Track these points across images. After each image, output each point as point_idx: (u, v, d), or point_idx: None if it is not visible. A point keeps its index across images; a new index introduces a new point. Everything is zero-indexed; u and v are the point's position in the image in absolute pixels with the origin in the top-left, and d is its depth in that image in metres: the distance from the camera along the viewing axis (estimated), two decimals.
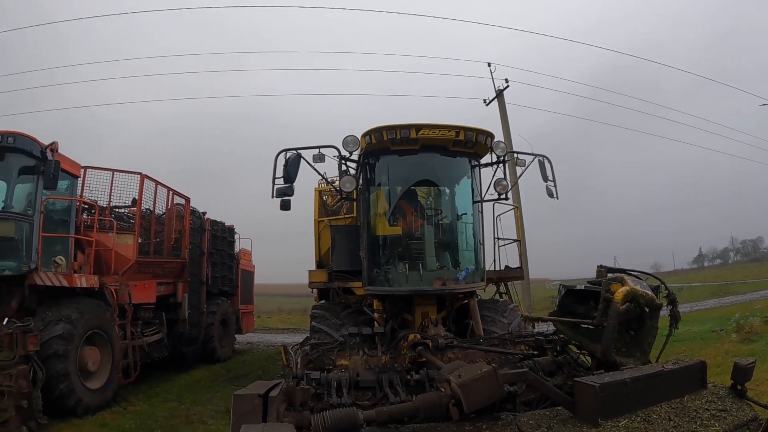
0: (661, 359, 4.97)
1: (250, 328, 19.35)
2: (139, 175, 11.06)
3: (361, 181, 7.71)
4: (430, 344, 5.93)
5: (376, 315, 7.47)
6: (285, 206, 7.53)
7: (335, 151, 7.40)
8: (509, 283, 9.84)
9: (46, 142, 9.00)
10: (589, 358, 5.51)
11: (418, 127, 7.02)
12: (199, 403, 9.92)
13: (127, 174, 11.09)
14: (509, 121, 20.49)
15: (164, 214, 12.24)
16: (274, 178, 7.20)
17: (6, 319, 8.01)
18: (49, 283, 8.92)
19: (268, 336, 22.45)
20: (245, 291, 17.80)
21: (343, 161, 7.56)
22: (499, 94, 20.51)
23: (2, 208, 9.19)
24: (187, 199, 13.25)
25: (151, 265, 11.61)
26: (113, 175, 10.93)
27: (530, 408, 4.41)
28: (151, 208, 11.63)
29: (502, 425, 3.83)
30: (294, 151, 7.25)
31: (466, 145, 7.33)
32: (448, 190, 8.16)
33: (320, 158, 7.27)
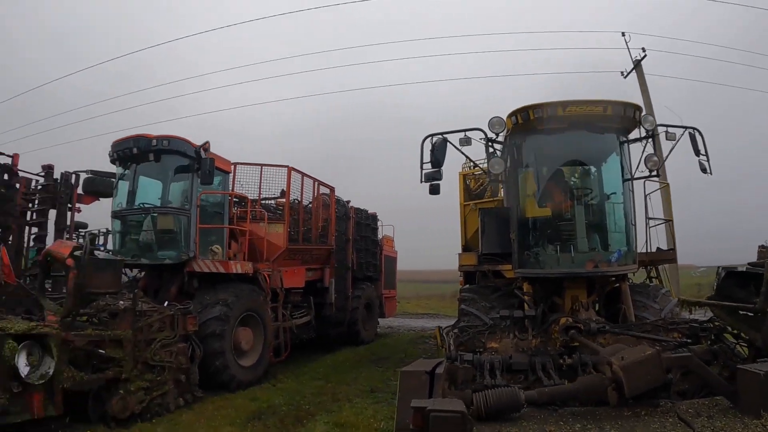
0: None
1: (393, 312, 19.61)
2: (286, 168, 11.62)
3: (508, 162, 7.52)
4: (582, 328, 5.90)
5: (526, 298, 7.38)
6: (434, 191, 7.52)
7: (481, 133, 7.29)
8: (660, 267, 9.31)
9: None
10: (745, 349, 5.20)
11: (565, 104, 6.89)
12: (345, 382, 10.13)
13: (274, 167, 11.72)
14: (651, 95, 19.10)
15: (311, 203, 12.78)
16: (422, 163, 7.21)
17: (166, 303, 8.76)
18: (206, 270, 9.71)
19: (407, 320, 22.68)
20: (388, 276, 18.11)
21: (489, 143, 7.40)
22: (637, 65, 19.30)
23: (161, 204, 10.12)
24: (332, 189, 13.73)
25: (299, 251, 12.19)
26: (262, 169, 11.65)
27: (684, 398, 4.25)
28: (299, 198, 12.19)
29: (660, 412, 3.75)
30: (440, 136, 7.20)
31: (614, 120, 7.11)
32: (596, 169, 7.91)
33: (467, 141, 7.18)
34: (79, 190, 13.37)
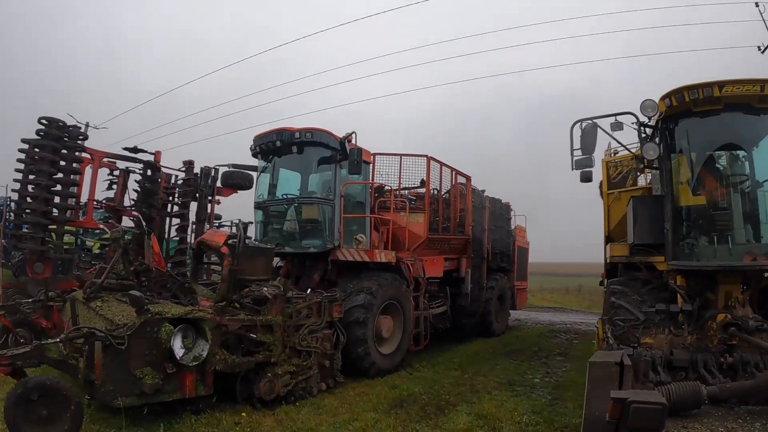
0: None
1: (524, 304, 18.96)
2: (425, 158, 11.24)
3: (661, 148, 6.97)
4: (742, 325, 5.58)
5: (681, 292, 6.72)
6: (586, 178, 7.24)
7: (632, 117, 7.00)
8: None
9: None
10: None
11: (721, 84, 6.31)
12: (481, 374, 9.81)
13: (413, 157, 11.34)
14: None
15: (448, 192, 12.36)
16: (572, 149, 6.94)
17: (309, 290, 8.74)
18: (351, 259, 9.59)
19: (533, 314, 21.83)
20: (520, 267, 17.39)
21: (642, 128, 7.10)
22: None
23: (305, 194, 10.11)
24: (468, 178, 13.23)
25: (439, 241, 11.81)
26: (401, 159, 11.25)
27: None
28: (438, 188, 11.80)
29: None
30: (590, 121, 6.92)
31: None
32: (758, 154, 7.07)
33: (618, 126, 6.91)
34: (218, 183, 13.82)
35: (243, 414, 6.44)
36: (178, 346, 5.77)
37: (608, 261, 8.53)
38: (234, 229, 24.44)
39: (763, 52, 17.07)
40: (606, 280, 14.38)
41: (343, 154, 9.64)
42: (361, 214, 10.46)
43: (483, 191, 14.37)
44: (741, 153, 7.21)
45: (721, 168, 7.16)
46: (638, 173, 10.63)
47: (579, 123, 6.98)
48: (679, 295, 6.67)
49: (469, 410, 7.14)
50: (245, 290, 7.14)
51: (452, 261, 12.83)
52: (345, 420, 6.51)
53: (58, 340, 5.24)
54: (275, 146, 9.79)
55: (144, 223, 9.37)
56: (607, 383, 3.20)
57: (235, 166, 12.23)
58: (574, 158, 6.97)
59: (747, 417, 3.58)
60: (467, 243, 13.23)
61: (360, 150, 9.52)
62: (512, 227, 16.53)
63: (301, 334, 7.40)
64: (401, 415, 6.85)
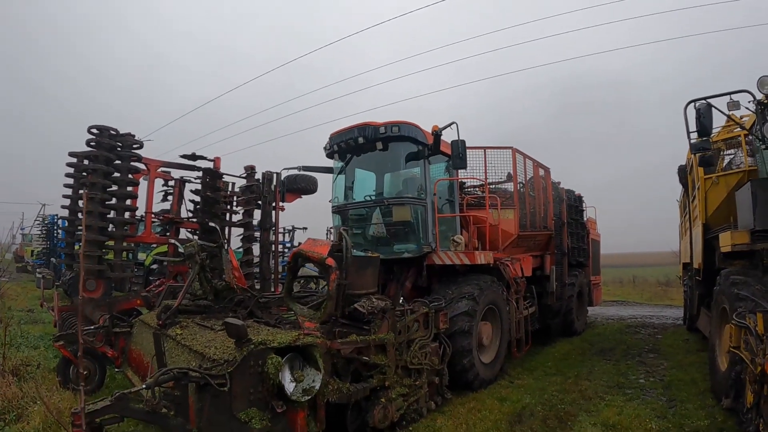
0: None
1: (599, 300, 17.31)
2: (510, 150, 9.75)
3: None
4: None
5: None
6: (707, 162, 6.74)
7: (749, 96, 6.27)
8: None
9: None
10: None
11: None
12: (583, 377, 8.63)
13: (498, 150, 9.84)
14: None
15: (532, 186, 10.83)
16: (688, 132, 6.45)
17: (401, 299, 7.64)
18: (449, 262, 8.16)
19: (598, 309, 19.94)
20: (594, 262, 15.75)
21: (761, 106, 6.35)
22: None
23: (394, 194, 8.64)
24: (547, 170, 11.68)
25: (526, 238, 10.33)
26: (485, 152, 9.72)
27: None
28: (524, 181, 10.26)
29: None
30: (704, 101, 6.25)
31: None
32: None
33: (735, 105, 6.29)
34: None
35: None
36: (288, 380, 4.34)
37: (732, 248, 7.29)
38: (287, 236, 23.50)
39: None
40: (684, 272, 13.03)
41: (435, 148, 8.21)
42: (451, 213, 8.99)
43: (559, 183, 12.80)
44: None
45: None
46: (725, 155, 9.94)
47: (693, 103, 6.35)
48: None
49: (593, 420, 6.33)
50: (352, 306, 5.68)
51: (536, 258, 11.34)
52: None
53: (144, 386, 3.80)
54: (357, 143, 8.36)
55: (222, 235, 8.03)
56: None
57: (305, 168, 10.70)
58: (692, 141, 6.45)
59: None
60: (550, 239, 11.75)
61: (464, 142, 8.01)
62: (585, 219, 14.87)
63: (412, 350, 6.07)
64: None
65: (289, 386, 4.33)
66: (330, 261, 5.21)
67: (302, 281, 11.11)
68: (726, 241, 7.25)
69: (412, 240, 8.24)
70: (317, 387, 4.52)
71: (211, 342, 4.74)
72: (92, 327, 6.60)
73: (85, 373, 6.02)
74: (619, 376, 8.82)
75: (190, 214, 11.35)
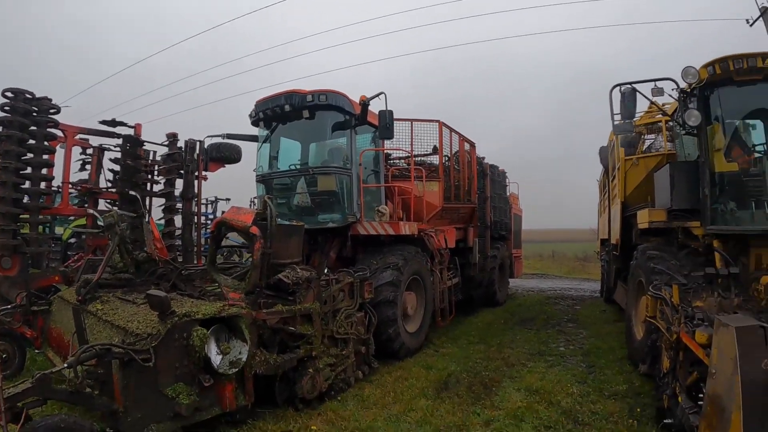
0: None
1: (520, 272, 18.05)
2: (437, 123, 9.88)
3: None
4: None
5: (718, 256, 6.39)
6: (629, 143, 7.06)
7: (672, 83, 6.66)
8: None
9: None
10: None
11: (765, 56, 6.26)
12: (506, 345, 8.98)
13: (425, 123, 9.96)
14: None
15: (457, 159, 11.05)
16: (612, 114, 6.62)
17: (326, 269, 7.61)
18: (374, 232, 8.20)
19: (519, 281, 20.80)
20: (516, 235, 16.34)
21: (683, 94, 6.73)
22: (765, 12, 16.05)
23: (319, 164, 8.55)
24: (473, 145, 11.89)
25: (450, 210, 10.52)
26: (412, 124, 9.81)
27: None
28: (449, 155, 10.45)
29: None
30: (629, 86, 6.54)
31: None
32: None
33: (659, 92, 6.53)
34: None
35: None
36: (214, 353, 4.31)
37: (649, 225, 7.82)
38: (210, 207, 22.82)
39: (751, 26, 16.43)
40: (602, 248, 13.78)
41: (362, 118, 8.17)
42: (377, 183, 9.03)
43: (483, 158, 13.08)
44: None
45: (757, 135, 7.05)
46: (646, 139, 10.47)
47: (618, 87, 6.62)
48: (718, 259, 6.38)
49: (517, 386, 6.57)
50: (276, 276, 5.62)
51: (460, 230, 11.58)
52: (400, 411, 5.56)
53: (65, 365, 3.64)
54: (283, 111, 8.21)
55: (143, 205, 7.76)
56: (756, 346, 3.01)
57: (229, 136, 10.38)
58: (615, 123, 6.65)
59: None
60: (473, 212, 12.05)
61: (392, 113, 7.96)
62: (508, 194, 15.35)
63: (338, 320, 6.14)
64: (453, 399, 6.04)
65: (216, 359, 4.30)
66: (254, 229, 5.10)
67: (225, 253, 10.96)
68: (644, 219, 7.72)
69: (336, 210, 8.22)
70: (244, 359, 4.51)
71: (133, 316, 4.60)
72: (8, 307, 6.26)
73: (3, 356, 5.82)
74: (540, 344, 9.21)
75: (110, 184, 10.88)
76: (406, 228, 8.45)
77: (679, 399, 4.38)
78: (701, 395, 3.96)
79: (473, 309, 12.78)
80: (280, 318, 5.20)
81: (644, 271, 7.22)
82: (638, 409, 5.66)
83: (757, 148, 6.95)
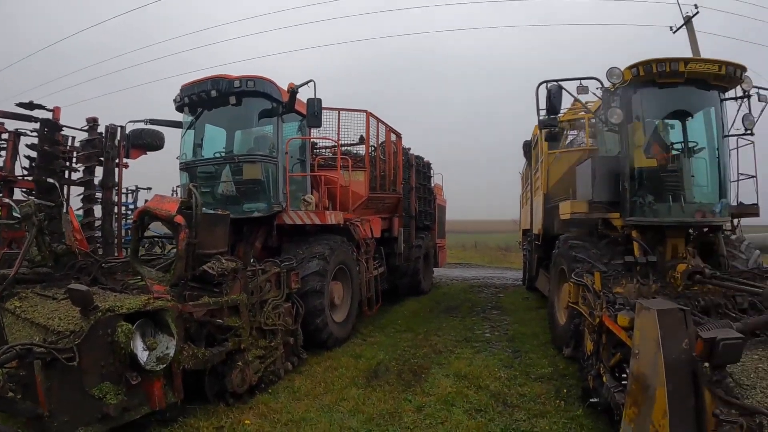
0: None
1: (444, 262, 18.43)
2: (364, 113, 9.93)
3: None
4: (705, 273, 6.05)
5: (636, 246, 6.88)
6: (553, 137, 7.44)
7: (597, 83, 7.00)
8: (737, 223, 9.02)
9: None
10: None
11: (687, 61, 6.76)
12: (433, 333, 9.20)
13: (352, 112, 10.00)
14: (702, 53, 16.76)
15: (384, 150, 11.13)
16: (538, 109, 6.92)
17: (252, 260, 7.51)
18: (300, 222, 8.14)
19: (443, 270, 21.35)
20: (440, 226, 16.68)
21: (607, 93, 7.18)
22: (687, 21, 17.02)
23: (245, 152, 8.38)
24: (399, 135, 12.04)
25: (376, 200, 10.62)
26: (339, 113, 9.82)
27: None
28: (375, 145, 10.51)
29: None
30: (555, 83, 6.84)
31: (724, 79, 6.97)
32: (702, 123, 7.48)
33: (584, 90, 6.75)
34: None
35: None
36: (140, 349, 4.16)
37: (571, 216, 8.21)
38: (131, 197, 21.97)
39: (674, 33, 17.33)
40: (524, 238, 14.35)
41: (289, 106, 8.08)
42: (303, 172, 8.99)
43: (409, 149, 13.22)
44: (689, 121, 7.52)
45: (676, 134, 7.55)
46: (568, 134, 11.15)
47: (545, 84, 6.90)
48: (636, 248, 6.85)
49: (445, 372, 6.77)
50: (202, 267, 5.46)
51: (385, 220, 11.74)
52: (332, 401, 5.64)
53: None
54: (209, 97, 7.99)
55: (62, 194, 7.39)
56: (676, 327, 3.15)
57: (152, 122, 10.00)
58: (540, 118, 6.96)
59: (759, 345, 3.77)
60: (399, 202, 12.21)
61: (320, 101, 7.93)
62: (432, 185, 15.58)
63: (266, 311, 6.06)
64: (384, 387, 6.17)
65: (143, 355, 4.16)
66: (179, 218, 4.92)
67: (147, 244, 10.60)
68: (566, 210, 8.05)
69: (262, 199, 8.11)
70: (171, 354, 4.38)
71: (54, 313, 4.39)
72: None
73: None
74: (466, 331, 9.47)
75: (26, 172, 10.31)
76: (332, 217, 8.45)
77: (604, 379, 4.62)
78: (624, 375, 4.23)
79: (399, 298, 12.94)
80: (206, 310, 5.09)
81: (566, 259, 7.59)
82: (564, 390, 5.94)
83: (675, 146, 7.43)
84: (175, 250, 5.36)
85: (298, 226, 8.29)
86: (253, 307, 5.83)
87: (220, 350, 5.15)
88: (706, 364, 2.97)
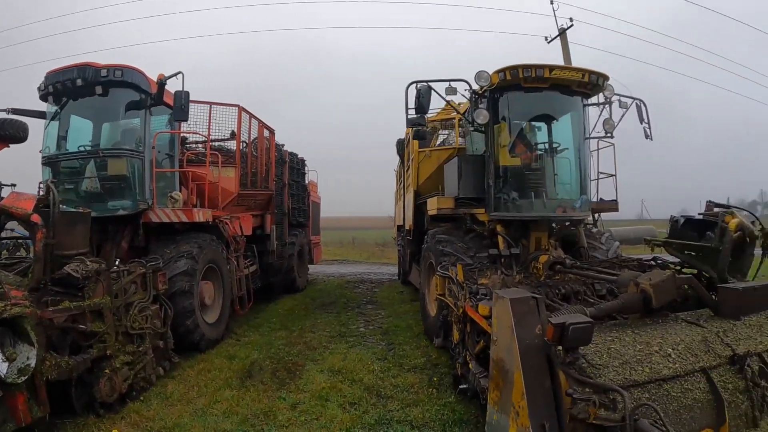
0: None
1: (319, 258, 18.54)
2: (237, 108, 9.77)
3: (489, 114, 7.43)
4: (566, 264, 6.54)
5: (501, 239, 7.30)
6: (420, 136, 7.44)
7: (466, 85, 7.28)
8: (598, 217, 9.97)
9: None
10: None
11: (552, 68, 7.14)
12: (308, 330, 9.32)
13: (224, 107, 9.80)
14: (573, 63, 18.05)
15: (256, 146, 11.04)
16: (407, 108, 7.04)
17: (118, 260, 7.18)
18: (167, 220, 7.85)
19: (320, 267, 21.51)
20: (314, 222, 16.78)
21: (475, 95, 7.48)
22: (562, 33, 18.27)
23: (111, 146, 7.98)
24: (272, 131, 11.95)
25: (247, 197, 10.50)
26: (211, 108, 9.55)
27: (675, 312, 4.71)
28: (247, 141, 10.39)
29: (670, 320, 4.37)
30: (425, 84, 6.99)
31: (587, 86, 7.44)
32: (565, 126, 8.00)
33: (452, 91, 7.04)
34: None
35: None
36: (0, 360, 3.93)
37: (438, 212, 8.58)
38: None
39: (549, 42, 18.39)
40: (398, 233, 14.83)
41: (158, 98, 7.76)
42: (171, 168, 8.70)
43: (282, 145, 13.16)
44: (553, 124, 8.04)
45: (540, 136, 8.04)
46: (440, 134, 11.67)
47: (414, 84, 7.05)
48: (501, 241, 7.26)
49: (320, 368, 6.92)
50: (64, 270, 5.15)
51: (257, 217, 11.64)
52: (205, 405, 5.59)
53: None
54: (75, 85, 7.47)
55: None
56: (529, 314, 3.38)
57: (14, 111, 9.18)
58: (408, 117, 7.09)
59: (612, 328, 4.08)
60: (271, 199, 12.13)
61: (188, 94, 7.64)
62: (307, 182, 15.61)
63: (132, 314, 5.82)
64: (258, 386, 6.20)
65: (2, 367, 3.90)
66: (35, 217, 4.64)
67: (11, 246, 9.84)
68: (433, 206, 8.43)
69: (127, 196, 7.73)
70: (33, 364, 4.13)
71: None
72: None
73: None
74: (341, 326, 9.69)
75: None
76: (200, 215, 8.26)
77: (470, 366, 4.91)
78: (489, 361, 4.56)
79: (274, 296, 12.92)
80: (68, 316, 4.83)
81: (434, 253, 7.94)
82: (435, 379, 6.27)
83: (539, 147, 7.89)
84: None
85: (166, 225, 8.00)
86: (118, 310, 5.59)
87: (85, 358, 4.91)
88: (560, 348, 3.19)
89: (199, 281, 7.79)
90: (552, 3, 17.99)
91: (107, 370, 5.19)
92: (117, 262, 6.97)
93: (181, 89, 7.61)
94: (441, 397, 5.65)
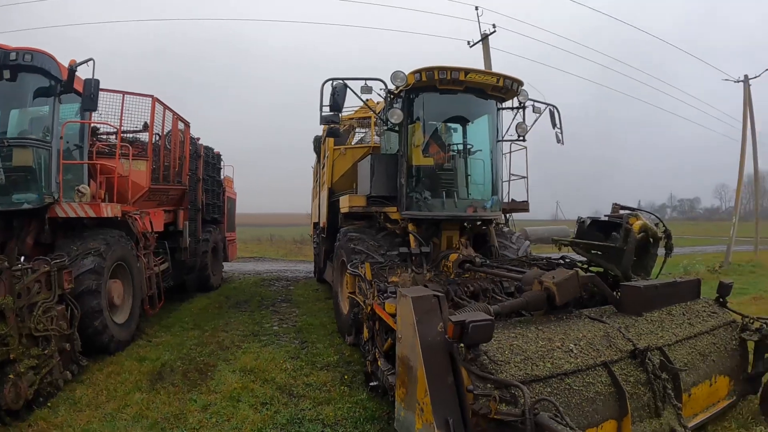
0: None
1: (235, 255, 18.27)
2: (150, 98, 9.45)
3: (404, 114, 7.68)
4: (475, 262, 6.78)
5: (412, 237, 7.48)
6: (333, 133, 7.76)
7: (382, 84, 7.34)
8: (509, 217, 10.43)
9: None
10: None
11: (467, 71, 7.30)
12: (221, 329, 9.25)
13: (138, 97, 9.44)
14: (493, 67, 18.45)
15: (169, 138, 10.73)
16: (321, 105, 7.03)
17: (22, 258, 6.78)
18: (74, 215, 7.51)
19: (236, 265, 21.38)
20: (230, 219, 16.51)
21: (390, 95, 7.60)
22: (484, 39, 18.58)
23: (15, 134, 7.49)
24: (187, 124, 11.68)
25: (158, 192, 10.20)
26: (123, 97, 9.20)
27: (580, 308, 4.97)
28: (161, 133, 10.08)
29: (574, 316, 4.62)
30: (341, 82, 7.04)
31: (501, 90, 7.69)
32: (478, 129, 8.27)
33: (368, 90, 7.13)
34: None
35: None
36: None
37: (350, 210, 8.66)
38: None
39: (471, 47, 18.80)
40: (314, 230, 15.63)
41: (68, 85, 7.39)
42: (79, 159, 8.29)
43: (198, 139, 12.89)
44: (466, 126, 8.34)
45: (453, 137, 8.32)
46: (356, 132, 11.92)
47: (330, 81, 7.08)
48: (412, 240, 7.44)
49: (232, 368, 6.88)
50: None
51: (169, 213, 11.33)
52: (114, 409, 5.43)
53: None
54: None
55: None
56: (431, 312, 3.47)
57: None
58: (322, 114, 7.08)
59: (517, 325, 4.27)
60: (184, 194, 11.86)
61: (98, 82, 7.31)
62: (222, 177, 15.39)
63: (36, 315, 5.54)
64: (168, 388, 6.11)
65: None
66: None
67: None
68: (345, 204, 8.53)
69: (33, 189, 7.30)
70: None
71: None
72: None
73: None
74: (254, 325, 9.64)
75: None
76: (108, 210, 7.94)
77: (379, 363, 5.04)
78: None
79: (187, 295, 12.70)
80: None
81: (346, 251, 8.04)
82: (348, 377, 6.39)
83: (452, 148, 8.15)
84: None
85: (73, 220, 7.67)
86: (21, 311, 5.32)
87: None
88: (462, 345, 3.30)
89: (107, 280, 7.51)
90: (477, 9, 18.39)
91: (11, 375, 4.95)
92: (21, 260, 6.57)
93: (91, 77, 7.30)
94: (353, 395, 5.76)
